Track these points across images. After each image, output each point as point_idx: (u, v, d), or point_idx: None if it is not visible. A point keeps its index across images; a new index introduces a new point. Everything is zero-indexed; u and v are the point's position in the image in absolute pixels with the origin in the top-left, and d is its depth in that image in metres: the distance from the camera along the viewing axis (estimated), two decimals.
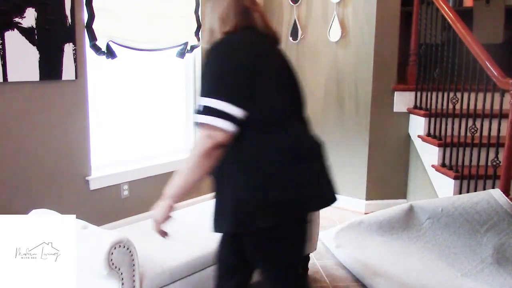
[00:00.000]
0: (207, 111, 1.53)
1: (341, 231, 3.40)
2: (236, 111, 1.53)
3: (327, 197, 1.69)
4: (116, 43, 3.30)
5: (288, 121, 1.65)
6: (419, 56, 3.96)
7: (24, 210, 2.91)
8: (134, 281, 2.02)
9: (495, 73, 3.00)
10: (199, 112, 1.55)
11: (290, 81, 1.75)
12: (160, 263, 2.18)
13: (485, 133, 3.15)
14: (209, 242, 2.37)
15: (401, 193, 4.24)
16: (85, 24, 3.15)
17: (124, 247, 1.96)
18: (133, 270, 2.02)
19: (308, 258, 2.99)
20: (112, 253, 1.91)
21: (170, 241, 2.33)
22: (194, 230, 2.54)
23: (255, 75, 1.58)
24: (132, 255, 2.01)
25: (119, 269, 1.96)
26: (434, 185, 3.67)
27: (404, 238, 3.20)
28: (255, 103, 1.57)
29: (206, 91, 1.55)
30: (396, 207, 3.35)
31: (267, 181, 1.57)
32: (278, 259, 1.69)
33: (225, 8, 1.66)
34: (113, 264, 1.93)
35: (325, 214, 3.63)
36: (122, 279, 1.98)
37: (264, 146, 1.58)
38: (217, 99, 1.52)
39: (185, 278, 2.26)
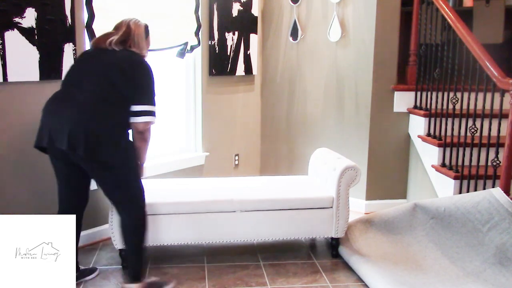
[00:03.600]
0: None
1: None
2: None
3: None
4: None
5: None
6: (419, 56, 3.96)
7: (24, 211, 2.91)
8: None
9: (495, 73, 3.00)
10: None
11: None
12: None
13: (485, 133, 3.15)
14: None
15: (401, 193, 4.24)
16: (85, 24, 3.16)
17: None
18: None
19: (337, 243, 3.18)
20: None
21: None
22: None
23: None
24: None
25: None
26: (434, 185, 3.67)
27: (408, 238, 3.19)
28: None
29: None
30: (400, 206, 3.35)
31: None
32: None
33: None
34: None
35: None
36: None
37: None
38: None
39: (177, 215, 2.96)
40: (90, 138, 2.39)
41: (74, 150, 2.38)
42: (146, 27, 2.74)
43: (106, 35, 2.63)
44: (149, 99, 2.57)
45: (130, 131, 2.62)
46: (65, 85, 2.59)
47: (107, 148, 2.45)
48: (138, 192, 2.62)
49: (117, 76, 2.50)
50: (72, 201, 2.70)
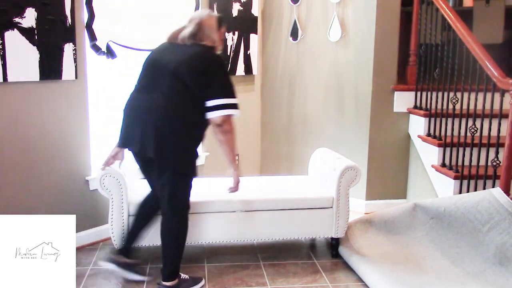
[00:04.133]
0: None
1: None
2: None
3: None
4: (116, 43, 3.30)
5: None
6: (419, 56, 3.96)
7: (24, 211, 2.91)
8: (122, 203, 2.86)
9: (495, 73, 3.00)
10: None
11: None
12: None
13: (485, 133, 3.15)
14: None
15: (401, 193, 4.24)
16: (85, 24, 3.16)
17: (113, 177, 2.81)
18: (121, 195, 2.85)
19: (337, 243, 3.19)
20: (104, 179, 2.81)
21: None
22: None
23: None
24: (120, 184, 2.83)
25: (109, 191, 2.83)
26: (434, 185, 3.67)
27: (408, 238, 3.19)
28: None
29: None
30: (400, 206, 3.35)
31: None
32: None
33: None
34: (104, 186, 2.82)
35: None
36: (112, 199, 2.85)
37: None
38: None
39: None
40: (159, 139, 2.44)
41: (146, 151, 2.47)
42: (219, 18, 2.71)
43: (180, 29, 2.62)
44: (224, 92, 2.54)
45: (207, 128, 2.63)
46: (140, 84, 2.62)
47: (174, 151, 2.49)
48: (186, 198, 2.68)
49: (187, 74, 2.48)
50: (153, 191, 2.79)
